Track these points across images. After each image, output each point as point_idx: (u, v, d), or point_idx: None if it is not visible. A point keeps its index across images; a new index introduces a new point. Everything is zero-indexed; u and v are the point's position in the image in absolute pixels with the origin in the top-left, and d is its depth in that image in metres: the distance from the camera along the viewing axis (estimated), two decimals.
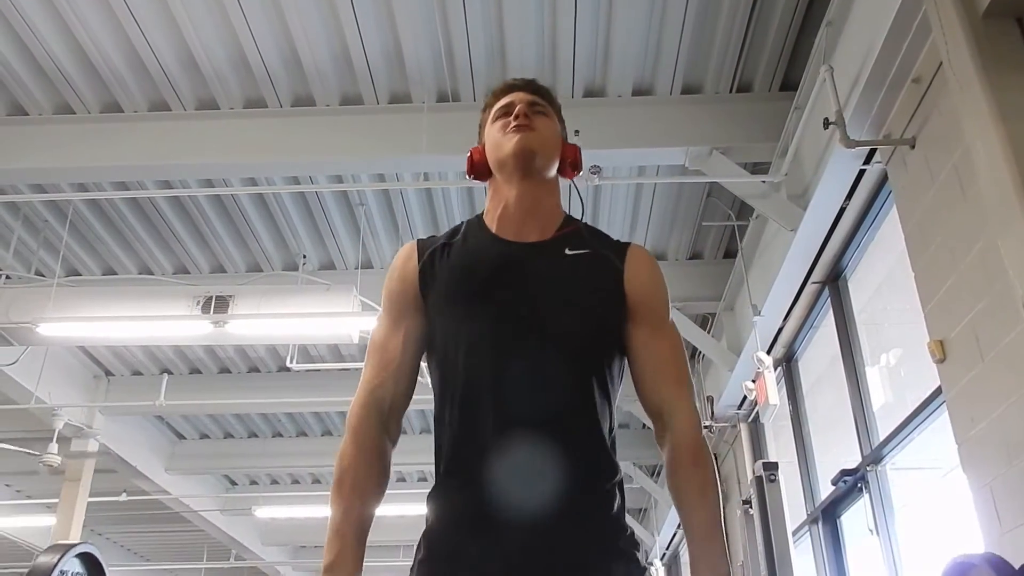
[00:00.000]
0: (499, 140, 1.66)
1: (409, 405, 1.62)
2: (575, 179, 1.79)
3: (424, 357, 1.65)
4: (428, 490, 1.56)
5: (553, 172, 1.70)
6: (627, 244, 1.68)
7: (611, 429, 1.56)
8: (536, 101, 1.71)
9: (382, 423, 1.57)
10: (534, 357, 1.51)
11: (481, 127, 1.76)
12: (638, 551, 1.51)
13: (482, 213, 1.71)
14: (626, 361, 1.63)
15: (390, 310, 1.65)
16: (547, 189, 1.68)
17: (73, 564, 1.34)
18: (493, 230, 1.65)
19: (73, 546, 1.27)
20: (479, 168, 1.71)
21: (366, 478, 1.54)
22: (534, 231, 1.64)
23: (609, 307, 1.59)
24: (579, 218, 1.71)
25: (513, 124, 1.64)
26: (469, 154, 1.73)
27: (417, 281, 1.62)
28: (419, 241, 1.69)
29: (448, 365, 1.56)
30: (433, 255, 1.64)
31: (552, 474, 1.44)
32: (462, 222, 1.73)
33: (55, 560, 1.26)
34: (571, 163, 1.73)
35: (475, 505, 1.46)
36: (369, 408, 1.57)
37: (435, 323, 1.60)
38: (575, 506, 1.45)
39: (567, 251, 1.61)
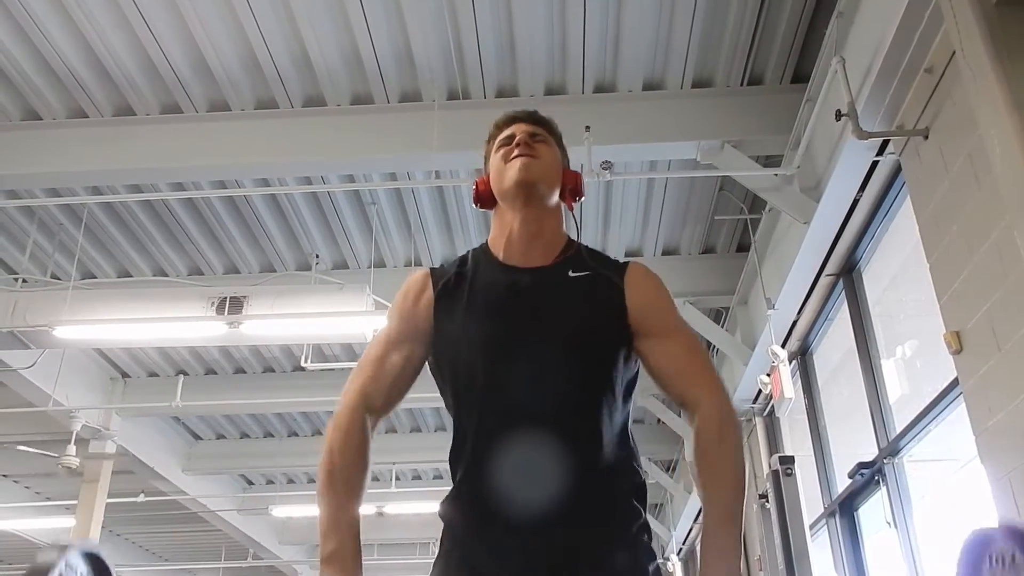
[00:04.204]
0: (502, 169, 1.72)
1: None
2: (574, 203, 1.85)
3: (436, 373, 1.72)
4: (443, 488, 1.65)
5: (555, 199, 1.76)
6: (626, 263, 1.75)
7: (625, 429, 1.63)
8: (536, 131, 1.76)
9: (369, 425, 1.65)
10: (544, 367, 1.58)
11: (486, 158, 1.82)
12: (647, 539, 1.57)
13: (486, 241, 1.78)
14: (639, 366, 1.69)
15: (398, 328, 1.72)
16: (549, 214, 1.74)
17: (78, 562, 1.29)
18: (500, 258, 1.72)
19: (71, 546, 1.22)
20: (484, 197, 1.78)
21: (356, 476, 1.60)
22: (538, 256, 1.70)
23: (612, 320, 1.65)
24: (577, 240, 1.80)
25: (515, 152, 1.71)
26: (475, 184, 1.80)
27: (432, 311, 1.69)
28: (432, 271, 1.75)
29: (463, 383, 1.63)
30: (447, 285, 1.71)
31: (563, 472, 1.51)
32: (468, 252, 1.79)
33: (56, 558, 1.21)
34: (572, 189, 1.79)
35: (492, 504, 1.53)
36: (359, 411, 1.64)
37: (448, 347, 1.66)
38: (583, 499, 1.52)
39: (570, 274, 1.69)
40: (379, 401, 1.66)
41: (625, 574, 1.51)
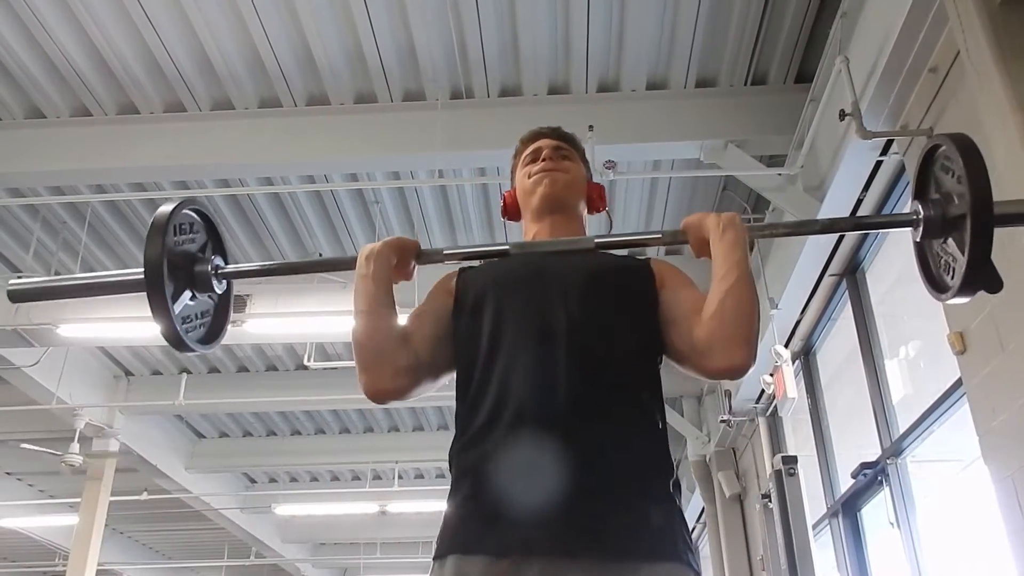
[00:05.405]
0: (529, 185, 1.80)
1: (421, 368, 1.60)
2: (603, 211, 1.92)
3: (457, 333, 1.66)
4: (446, 487, 1.52)
5: (579, 210, 1.84)
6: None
7: (658, 409, 1.55)
8: (561, 146, 1.85)
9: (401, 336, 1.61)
10: (563, 339, 1.50)
11: (513, 172, 1.91)
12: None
13: None
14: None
15: (427, 301, 1.70)
16: (574, 223, 1.81)
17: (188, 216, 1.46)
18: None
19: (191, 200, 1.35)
20: (512, 210, 1.87)
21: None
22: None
23: (638, 280, 1.66)
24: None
25: (540, 167, 1.79)
26: (503, 197, 1.89)
27: (455, 282, 1.68)
28: (461, 267, 1.75)
29: (472, 350, 1.56)
30: (471, 267, 1.73)
31: (590, 452, 1.42)
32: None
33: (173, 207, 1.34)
34: (597, 199, 1.88)
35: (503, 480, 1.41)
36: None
37: (461, 320, 1.61)
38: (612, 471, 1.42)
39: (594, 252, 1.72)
40: (412, 331, 1.62)
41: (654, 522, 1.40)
